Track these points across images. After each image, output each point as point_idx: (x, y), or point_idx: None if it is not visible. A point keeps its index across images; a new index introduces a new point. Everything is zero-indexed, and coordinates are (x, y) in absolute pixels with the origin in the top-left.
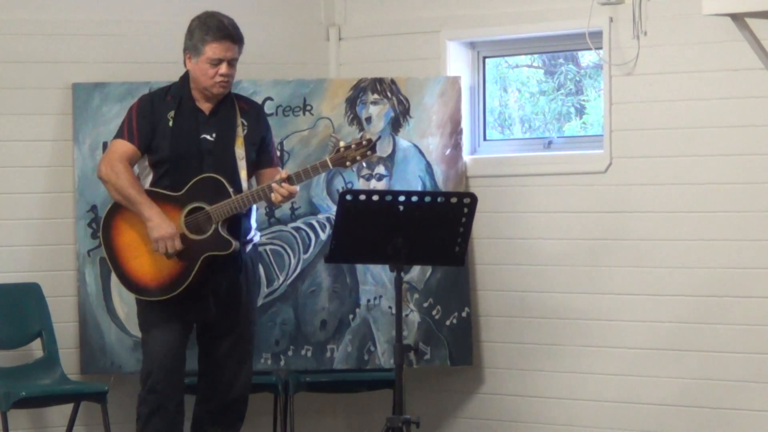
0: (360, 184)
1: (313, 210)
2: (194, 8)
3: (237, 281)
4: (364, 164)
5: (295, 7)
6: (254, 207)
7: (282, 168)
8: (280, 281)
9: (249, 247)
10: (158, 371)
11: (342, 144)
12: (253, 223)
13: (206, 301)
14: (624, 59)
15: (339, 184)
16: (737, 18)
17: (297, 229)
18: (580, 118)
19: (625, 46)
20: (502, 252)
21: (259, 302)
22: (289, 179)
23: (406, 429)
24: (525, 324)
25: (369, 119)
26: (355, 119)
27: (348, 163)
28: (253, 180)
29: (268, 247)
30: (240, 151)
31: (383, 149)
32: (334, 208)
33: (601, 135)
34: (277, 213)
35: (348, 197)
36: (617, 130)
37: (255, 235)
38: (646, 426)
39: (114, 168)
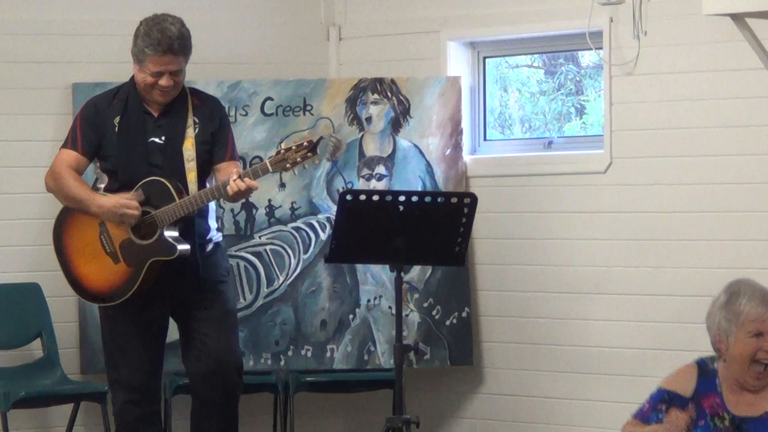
0: (360, 184)
1: (313, 210)
2: (194, 8)
3: (195, 278)
4: (364, 165)
5: (295, 7)
6: (212, 209)
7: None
8: (280, 281)
9: (210, 247)
10: (134, 386)
11: (283, 145)
12: (213, 224)
13: (164, 302)
14: (624, 59)
15: (339, 184)
16: (737, 18)
17: (297, 229)
18: (580, 118)
19: (625, 46)
20: (502, 252)
21: (259, 302)
22: (239, 178)
23: (406, 429)
24: (525, 324)
25: (369, 119)
26: (356, 119)
27: (288, 165)
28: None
29: (268, 247)
30: (189, 152)
31: (383, 149)
32: (334, 208)
33: (601, 135)
34: (278, 213)
35: (348, 197)
36: (617, 130)
37: (216, 236)
38: None
39: (55, 176)
